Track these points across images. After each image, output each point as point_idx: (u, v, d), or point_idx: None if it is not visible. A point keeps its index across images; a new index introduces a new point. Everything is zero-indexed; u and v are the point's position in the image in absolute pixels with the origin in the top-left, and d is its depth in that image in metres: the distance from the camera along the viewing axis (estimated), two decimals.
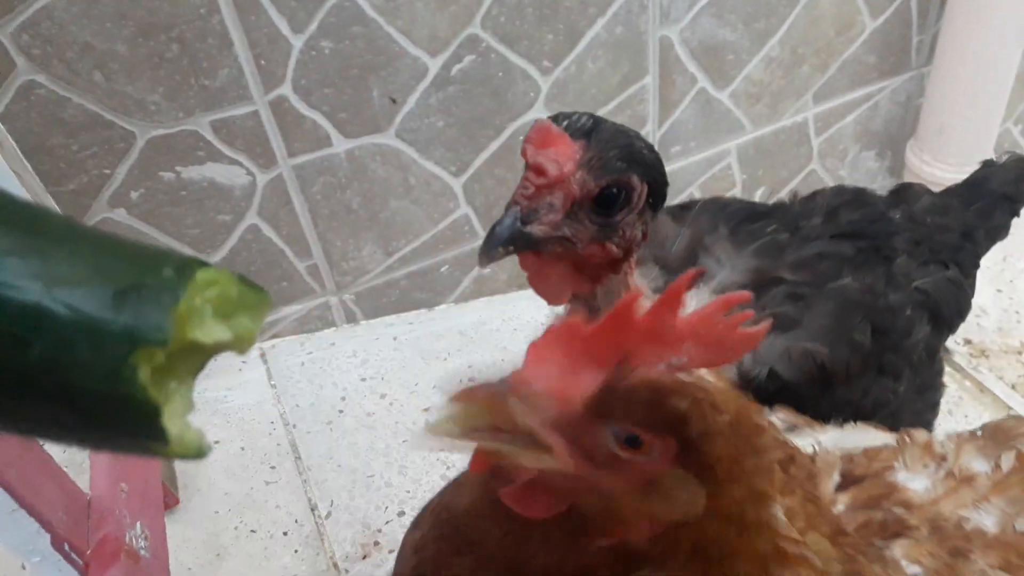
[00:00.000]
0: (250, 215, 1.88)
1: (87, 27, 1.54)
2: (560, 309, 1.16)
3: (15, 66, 1.52)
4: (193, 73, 1.66)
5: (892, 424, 1.02)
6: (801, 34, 2.20)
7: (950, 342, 2.16)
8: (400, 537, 1.72)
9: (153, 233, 1.81)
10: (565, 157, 0.91)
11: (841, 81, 2.36)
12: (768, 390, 1.08)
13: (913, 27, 2.35)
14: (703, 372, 0.63)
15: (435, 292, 2.22)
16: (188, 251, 1.85)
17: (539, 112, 2.02)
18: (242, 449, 1.86)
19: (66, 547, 1.22)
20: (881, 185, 2.68)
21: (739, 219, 1.24)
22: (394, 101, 1.86)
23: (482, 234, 2.17)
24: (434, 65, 1.85)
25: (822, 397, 1.09)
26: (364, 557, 1.67)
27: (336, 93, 1.80)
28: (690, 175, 2.32)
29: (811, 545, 0.74)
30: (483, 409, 0.63)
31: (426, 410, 1.97)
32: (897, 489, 0.89)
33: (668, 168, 2.38)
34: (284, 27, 1.67)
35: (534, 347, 0.63)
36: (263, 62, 1.70)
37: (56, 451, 1.31)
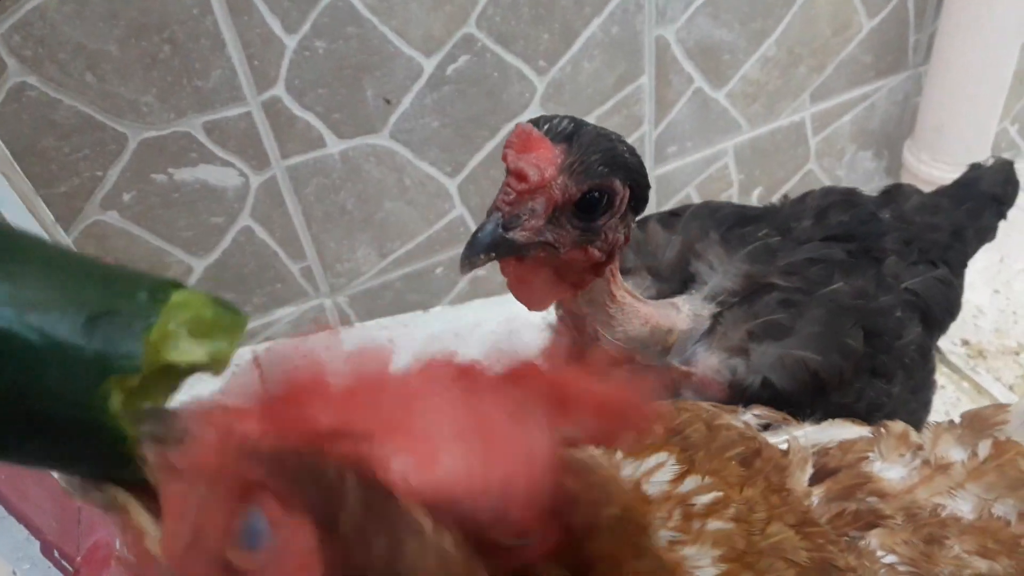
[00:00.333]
0: (243, 217, 1.87)
1: (79, 28, 1.53)
2: (548, 313, 1.15)
3: (6, 67, 1.51)
4: (186, 74, 1.65)
5: None
6: (798, 34, 2.19)
7: (947, 344, 2.16)
8: None
9: (145, 236, 1.79)
10: (546, 162, 0.90)
11: (838, 81, 2.35)
12: (761, 398, 1.07)
13: (910, 26, 2.34)
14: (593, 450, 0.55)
15: (430, 294, 2.21)
16: (180, 254, 1.84)
17: (535, 112, 2.01)
18: None
19: (56, 554, 1.21)
20: (878, 185, 2.66)
21: (730, 224, 1.24)
22: (388, 102, 1.85)
23: None
24: (429, 65, 1.84)
25: (816, 404, 1.08)
26: None
27: (330, 94, 1.78)
28: (686, 175, 2.31)
29: (772, 536, 0.73)
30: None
31: None
32: (872, 479, 0.88)
33: (664, 169, 2.38)
34: (277, 27, 1.66)
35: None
36: (256, 63, 1.69)
37: None
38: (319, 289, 2.07)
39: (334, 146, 1.86)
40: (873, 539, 0.82)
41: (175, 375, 0.51)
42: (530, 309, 1.08)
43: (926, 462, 0.93)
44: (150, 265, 1.84)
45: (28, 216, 1.62)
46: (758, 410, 0.98)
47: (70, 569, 1.24)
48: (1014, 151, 2.80)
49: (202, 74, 1.65)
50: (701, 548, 0.71)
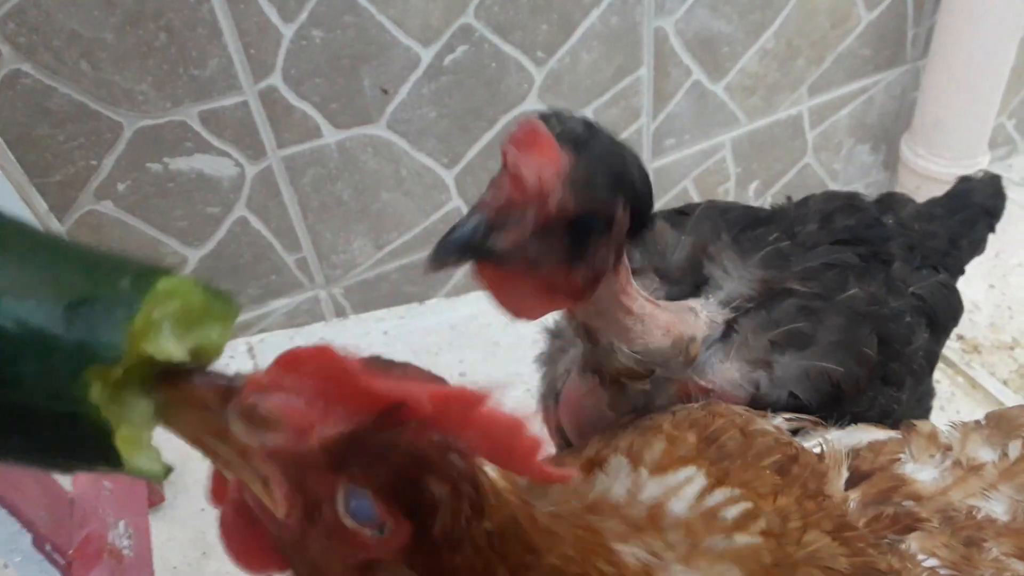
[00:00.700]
0: (239, 207, 1.86)
1: (74, 15, 1.51)
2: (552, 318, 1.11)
3: (0, 55, 1.49)
4: (182, 62, 1.63)
5: None
6: (796, 26, 2.18)
7: None
8: None
9: (140, 225, 1.78)
10: (548, 168, 0.80)
11: (836, 74, 2.34)
12: (784, 411, 1.05)
13: (908, 20, 2.33)
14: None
15: (426, 286, 2.20)
16: (175, 244, 1.83)
17: (533, 104, 2.00)
18: None
19: (48, 547, 1.20)
20: (875, 179, 2.67)
21: (741, 226, 1.21)
22: (386, 92, 1.84)
23: None
24: (427, 55, 1.82)
25: (832, 413, 1.07)
26: None
27: (327, 83, 1.77)
28: (684, 168, 2.30)
29: (808, 545, 0.72)
30: (199, 413, 0.51)
31: None
32: (905, 482, 0.88)
33: (662, 162, 2.38)
34: (274, 16, 1.65)
35: (291, 357, 0.50)
36: (253, 51, 1.67)
37: None
38: (314, 280, 2.06)
39: (331, 136, 1.84)
40: (913, 543, 0.82)
41: (160, 365, 0.49)
42: (517, 318, 0.98)
43: (957, 463, 0.93)
44: (145, 255, 1.82)
45: (22, 205, 1.60)
46: (787, 414, 0.97)
47: (62, 562, 1.23)
48: (1011, 146, 2.80)
49: (198, 63, 1.64)
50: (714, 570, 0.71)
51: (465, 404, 0.51)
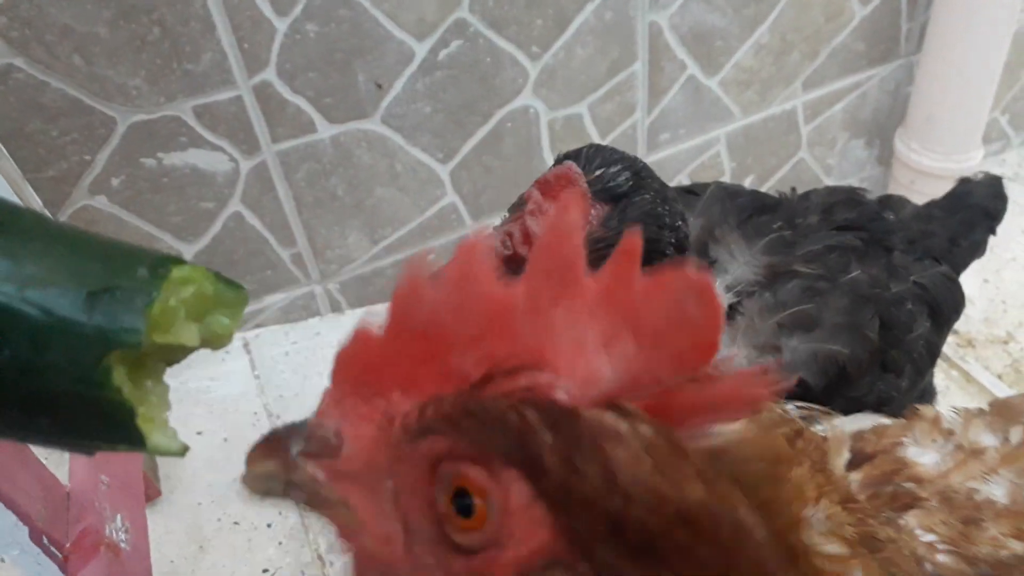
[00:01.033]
0: (233, 202, 1.86)
1: (67, 9, 1.51)
2: None
3: None
4: (175, 57, 1.63)
5: None
6: (791, 21, 2.18)
7: None
8: None
9: (134, 221, 1.78)
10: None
11: (830, 69, 2.35)
12: (791, 396, 1.05)
13: (902, 15, 2.34)
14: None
15: None
16: (170, 239, 1.83)
17: (527, 98, 2.00)
18: (225, 440, 1.84)
19: (45, 540, 1.20)
20: (869, 174, 2.67)
21: (748, 212, 1.22)
22: (380, 86, 1.83)
23: (470, 223, 2.15)
24: (421, 50, 1.82)
25: (833, 398, 1.06)
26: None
27: (321, 78, 1.77)
28: (679, 163, 2.31)
29: (823, 510, 0.72)
30: (274, 465, 0.48)
31: None
32: (907, 465, 0.89)
33: (657, 156, 2.37)
34: (268, 10, 1.64)
35: (344, 359, 0.48)
36: (247, 46, 1.67)
37: None
38: (310, 275, 2.06)
39: (325, 131, 1.84)
40: (911, 519, 0.83)
41: (176, 352, 0.51)
42: None
43: (959, 447, 0.94)
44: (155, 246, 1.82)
45: (16, 200, 1.60)
46: (797, 403, 0.98)
47: (59, 555, 1.23)
48: (1004, 141, 2.80)
49: (192, 57, 1.64)
50: None
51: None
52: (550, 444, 0.39)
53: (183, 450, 0.52)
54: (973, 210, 1.44)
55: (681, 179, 2.36)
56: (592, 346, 0.41)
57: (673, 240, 0.80)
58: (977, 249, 1.44)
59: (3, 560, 1.22)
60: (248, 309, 2.02)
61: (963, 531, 0.84)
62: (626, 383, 0.41)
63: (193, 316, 0.51)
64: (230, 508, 1.71)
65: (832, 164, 2.58)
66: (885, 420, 0.97)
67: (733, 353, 1.06)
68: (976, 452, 0.94)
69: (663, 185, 0.81)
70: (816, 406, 0.96)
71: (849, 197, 1.33)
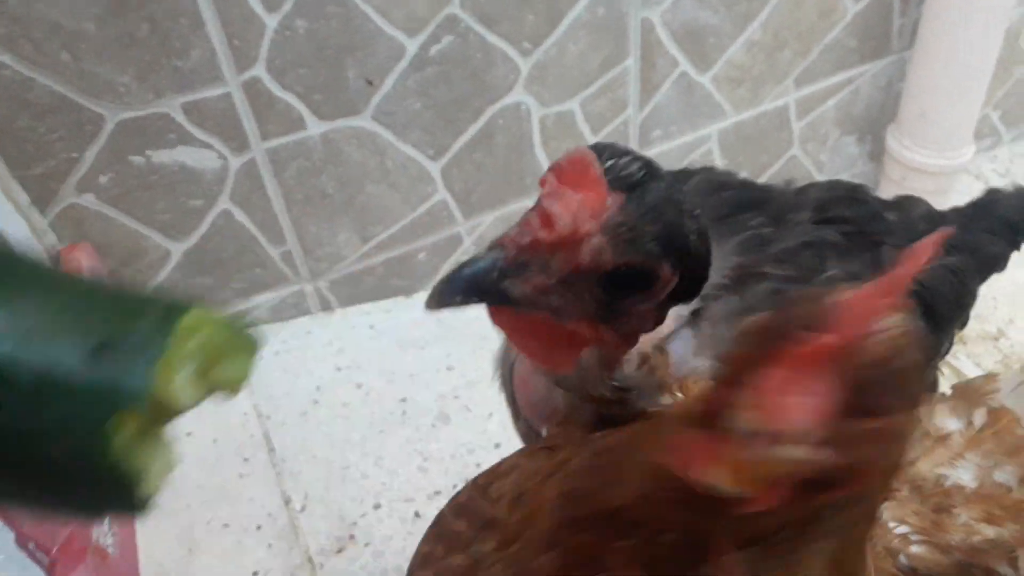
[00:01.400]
0: (222, 200, 1.84)
1: (55, 5, 1.49)
2: None
3: None
4: (164, 54, 1.61)
5: None
6: (783, 17, 2.17)
7: None
8: (376, 530, 1.71)
9: (122, 219, 1.76)
10: (590, 211, 0.69)
11: (823, 65, 2.34)
12: None
13: (895, 11, 2.33)
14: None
15: (413, 279, 2.19)
16: (158, 237, 1.81)
17: (519, 95, 1.98)
18: (214, 441, 1.82)
19: (31, 545, 1.18)
20: (861, 170, 2.67)
21: (729, 209, 1.16)
22: (370, 83, 1.82)
23: (460, 220, 2.14)
24: (412, 46, 1.81)
25: None
26: (339, 551, 1.65)
27: (311, 74, 1.75)
28: (671, 160, 2.30)
29: None
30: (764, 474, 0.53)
31: (403, 400, 1.94)
32: None
33: (649, 153, 2.36)
34: (258, 6, 1.63)
35: (780, 384, 0.52)
36: (236, 42, 1.65)
37: None
38: (300, 274, 2.04)
39: (315, 128, 1.83)
40: (884, 512, 0.83)
41: (179, 407, 0.48)
42: (544, 369, 0.87)
43: (926, 434, 0.94)
44: (128, 249, 1.80)
45: (3, 199, 1.58)
46: None
47: (45, 560, 1.21)
48: (995, 137, 2.81)
49: (181, 54, 1.62)
50: None
51: None
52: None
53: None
54: (996, 221, 1.35)
55: None
56: None
57: (695, 227, 0.76)
58: (996, 263, 1.35)
59: None
60: (237, 308, 2.01)
61: (935, 520, 0.85)
62: None
63: (202, 367, 0.48)
64: (219, 510, 1.70)
65: (824, 160, 2.58)
66: None
67: (697, 364, 0.99)
68: (942, 438, 0.94)
69: (674, 176, 0.77)
70: None
71: (850, 195, 1.26)
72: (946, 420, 0.96)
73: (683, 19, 2.05)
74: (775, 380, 0.53)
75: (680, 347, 1.01)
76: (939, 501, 0.87)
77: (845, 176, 2.64)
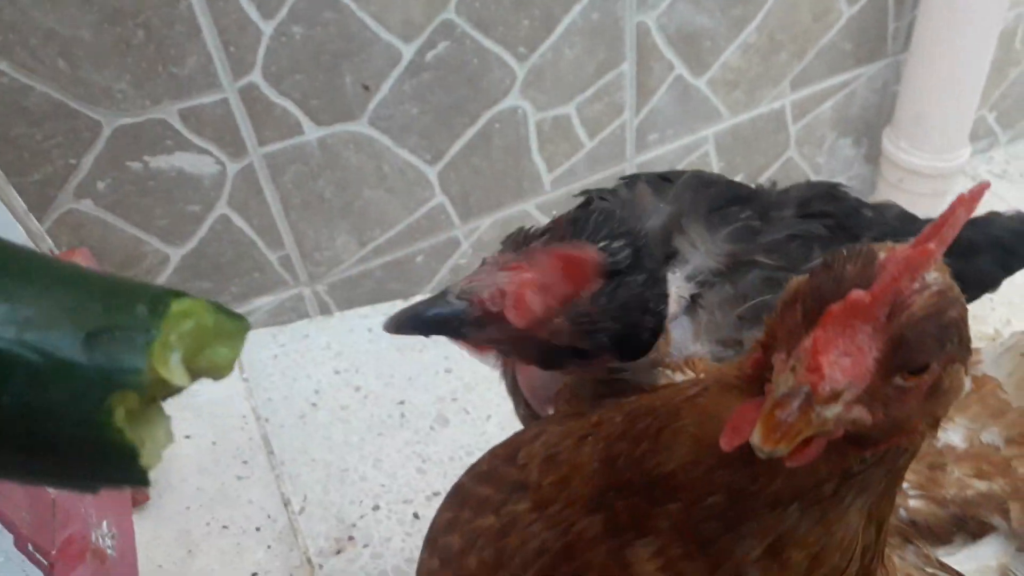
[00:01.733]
0: (220, 205, 1.85)
1: (51, 13, 1.50)
2: None
3: None
4: (161, 60, 1.62)
5: None
6: (778, 20, 2.18)
7: None
8: (375, 531, 1.71)
9: (121, 224, 1.77)
10: (561, 304, 0.75)
11: (818, 68, 2.35)
12: None
13: (889, 14, 2.34)
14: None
15: (411, 283, 2.20)
16: (157, 243, 1.82)
17: (515, 99, 1.99)
18: (213, 444, 1.83)
19: (30, 547, 1.19)
20: (857, 172, 2.68)
21: (719, 202, 1.19)
22: (367, 88, 1.83)
23: (458, 223, 2.15)
24: (408, 51, 1.82)
25: None
26: (338, 552, 1.65)
27: (307, 80, 1.76)
28: (668, 163, 2.31)
29: None
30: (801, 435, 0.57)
31: (402, 403, 1.95)
32: None
33: (645, 157, 2.37)
34: (253, 13, 1.64)
35: (816, 343, 0.56)
36: (232, 49, 1.66)
37: None
38: (298, 278, 2.05)
39: (312, 133, 1.84)
40: None
41: (173, 386, 0.50)
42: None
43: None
44: (126, 255, 1.81)
45: (0, 205, 1.59)
46: None
47: (45, 562, 1.22)
48: (991, 138, 2.81)
49: (177, 60, 1.63)
50: None
51: None
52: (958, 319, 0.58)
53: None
54: (984, 237, 1.35)
55: None
56: None
57: (652, 325, 0.80)
58: (986, 279, 1.36)
59: None
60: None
61: (930, 476, 0.91)
62: None
63: (193, 349, 0.50)
64: (219, 512, 1.71)
65: (821, 163, 2.58)
66: None
67: (696, 349, 1.05)
68: None
69: (658, 264, 0.81)
70: None
71: (829, 192, 1.30)
72: None
73: (678, 23, 2.06)
74: (815, 340, 0.56)
75: (679, 333, 1.04)
76: (932, 460, 0.92)
77: (841, 179, 2.65)
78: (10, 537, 1.18)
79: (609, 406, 0.80)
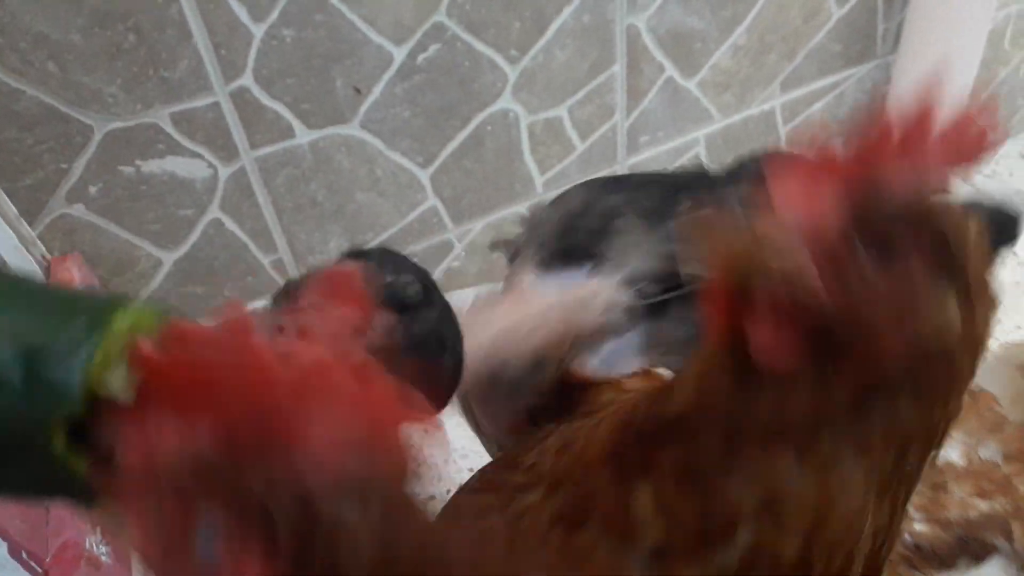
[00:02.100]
0: (212, 209, 1.85)
1: (40, 16, 1.49)
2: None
3: None
4: (152, 64, 1.62)
5: None
6: (768, 22, 2.19)
7: None
8: None
9: (113, 229, 1.76)
10: (349, 330, 0.76)
11: (808, 69, 2.36)
12: None
13: (879, 15, 2.35)
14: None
15: None
16: (149, 247, 1.81)
17: (507, 102, 2.00)
18: None
19: (24, 555, 1.18)
20: None
21: (656, 199, 1.10)
22: (358, 91, 1.83)
23: (451, 226, 2.15)
24: (399, 54, 1.82)
25: None
26: None
27: (299, 83, 1.76)
28: (659, 165, 2.31)
29: None
30: (725, 250, 0.57)
31: None
32: None
33: (636, 159, 2.38)
34: (244, 16, 1.64)
35: (776, 179, 0.56)
36: (223, 52, 1.66)
37: None
38: None
39: (304, 136, 1.83)
40: None
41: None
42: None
43: None
44: (119, 259, 1.81)
45: None
46: None
47: (39, 570, 1.22)
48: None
49: (168, 64, 1.63)
50: None
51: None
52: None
53: None
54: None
55: None
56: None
57: (451, 363, 0.80)
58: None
59: None
60: None
61: (932, 497, 0.90)
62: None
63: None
64: None
65: None
66: None
67: (643, 360, 0.99)
68: None
69: (447, 304, 0.81)
70: None
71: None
72: None
73: (669, 25, 2.07)
74: (782, 187, 0.55)
75: (621, 344, 1.00)
76: (934, 480, 0.91)
77: None
78: (3, 545, 1.17)
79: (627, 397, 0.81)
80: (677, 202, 1.10)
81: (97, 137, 1.65)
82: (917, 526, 0.89)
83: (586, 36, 1.99)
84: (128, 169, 1.71)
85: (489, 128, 2.02)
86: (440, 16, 1.81)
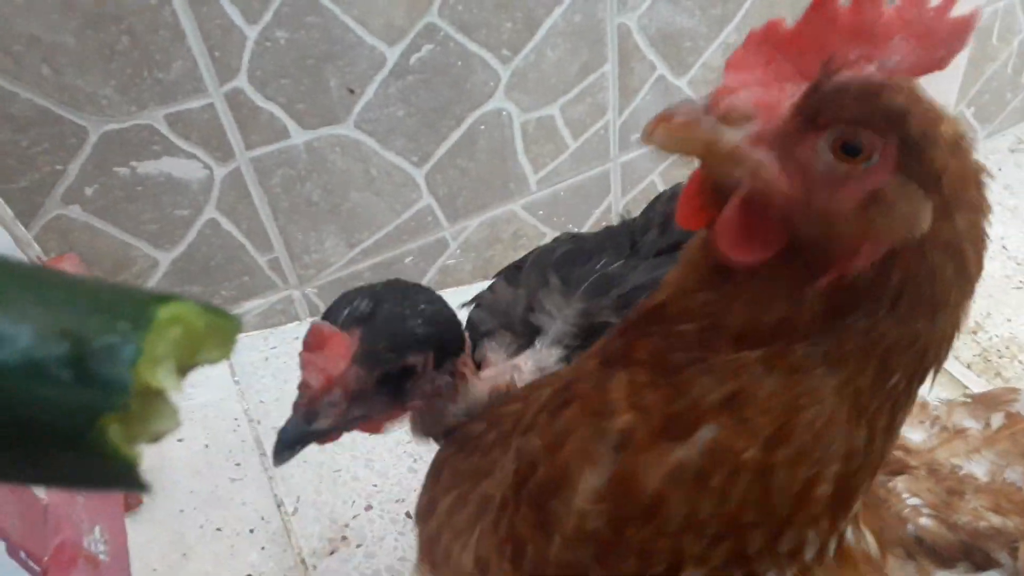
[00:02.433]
0: (208, 209, 1.86)
1: (33, 20, 1.50)
2: None
3: None
4: (146, 66, 1.63)
5: None
6: (758, 20, 2.19)
7: None
8: (368, 531, 1.73)
9: (109, 229, 1.77)
10: (334, 360, 0.91)
11: None
12: None
13: None
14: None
15: None
16: (146, 247, 1.83)
17: (499, 101, 2.01)
18: (206, 447, 1.84)
19: (22, 554, 1.19)
20: None
21: (567, 265, 1.21)
22: (352, 91, 1.84)
23: (446, 224, 2.16)
24: (392, 54, 1.83)
25: None
26: (332, 552, 1.66)
27: (293, 84, 1.77)
28: (651, 163, 2.33)
29: None
30: (683, 137, 0.60)
31: None
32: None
33: (628, 157, 2.39)
34: (237, 17, 1.65)
35: (730, 61, 0.59)
36: (217, 54, 1.67)
37: None
38: (287, 280, 2.06)
39: (298, 137, 1.85)
40: (899, 483, 0.90)
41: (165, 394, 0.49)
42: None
43: (944, 428, 1.02)
44: (115, 260, 1.82)
45: None
46: None
47: (37, 569, 1.22)
48: (971, 134, 2.84)
49: (162, 66, 1.64)
50: None
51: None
52: (903, 108, 0.55)
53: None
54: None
55: (653, 179, 2.38)
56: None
57: (420, 319, 0.96)
58: None
59: None
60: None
61: (946, 500, 0.91)
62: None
63: (185, 355, 0.49)
64: (212, 514, 1.71)
65: None
66: None
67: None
68: (960, 432, 1.01)
69: (404, 295, 0.97)
70: None
71: None
72: (964, 419, 1.04)
73: (659, 24, 2.08)
74: (732, 56, 0.60)
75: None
76: (952, 485, 0.93)
77: None
78: (2, 544, 1.18)
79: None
80: (592, 266, 1.22)
81: (92, 139, 1.66)
82: (923, 520, 0.90)
83: (577, 36, 2.01)
84: (123, 170, 1.72)
85: (482, 127, 2.04)
86: (432, 17, 1.82)
